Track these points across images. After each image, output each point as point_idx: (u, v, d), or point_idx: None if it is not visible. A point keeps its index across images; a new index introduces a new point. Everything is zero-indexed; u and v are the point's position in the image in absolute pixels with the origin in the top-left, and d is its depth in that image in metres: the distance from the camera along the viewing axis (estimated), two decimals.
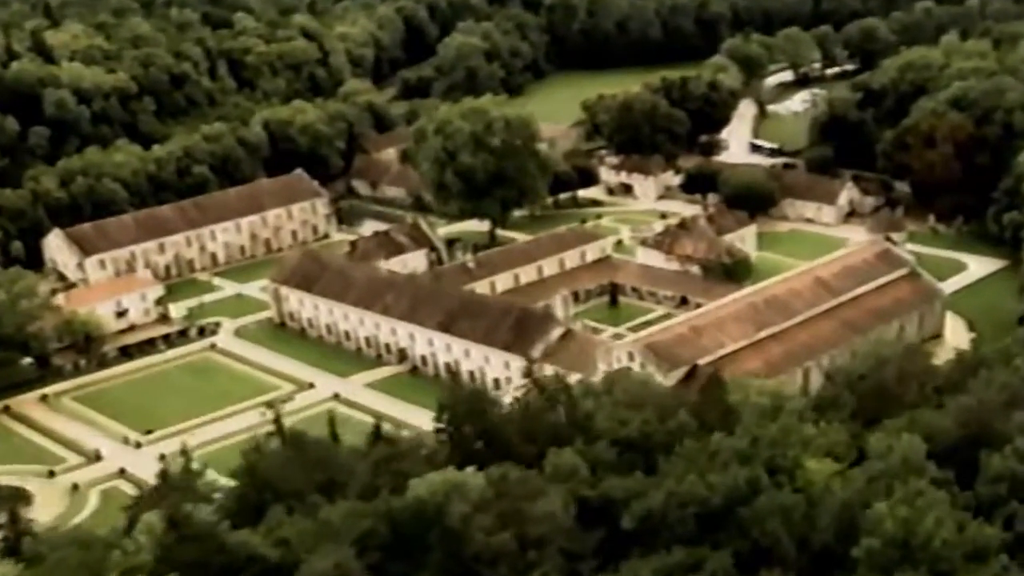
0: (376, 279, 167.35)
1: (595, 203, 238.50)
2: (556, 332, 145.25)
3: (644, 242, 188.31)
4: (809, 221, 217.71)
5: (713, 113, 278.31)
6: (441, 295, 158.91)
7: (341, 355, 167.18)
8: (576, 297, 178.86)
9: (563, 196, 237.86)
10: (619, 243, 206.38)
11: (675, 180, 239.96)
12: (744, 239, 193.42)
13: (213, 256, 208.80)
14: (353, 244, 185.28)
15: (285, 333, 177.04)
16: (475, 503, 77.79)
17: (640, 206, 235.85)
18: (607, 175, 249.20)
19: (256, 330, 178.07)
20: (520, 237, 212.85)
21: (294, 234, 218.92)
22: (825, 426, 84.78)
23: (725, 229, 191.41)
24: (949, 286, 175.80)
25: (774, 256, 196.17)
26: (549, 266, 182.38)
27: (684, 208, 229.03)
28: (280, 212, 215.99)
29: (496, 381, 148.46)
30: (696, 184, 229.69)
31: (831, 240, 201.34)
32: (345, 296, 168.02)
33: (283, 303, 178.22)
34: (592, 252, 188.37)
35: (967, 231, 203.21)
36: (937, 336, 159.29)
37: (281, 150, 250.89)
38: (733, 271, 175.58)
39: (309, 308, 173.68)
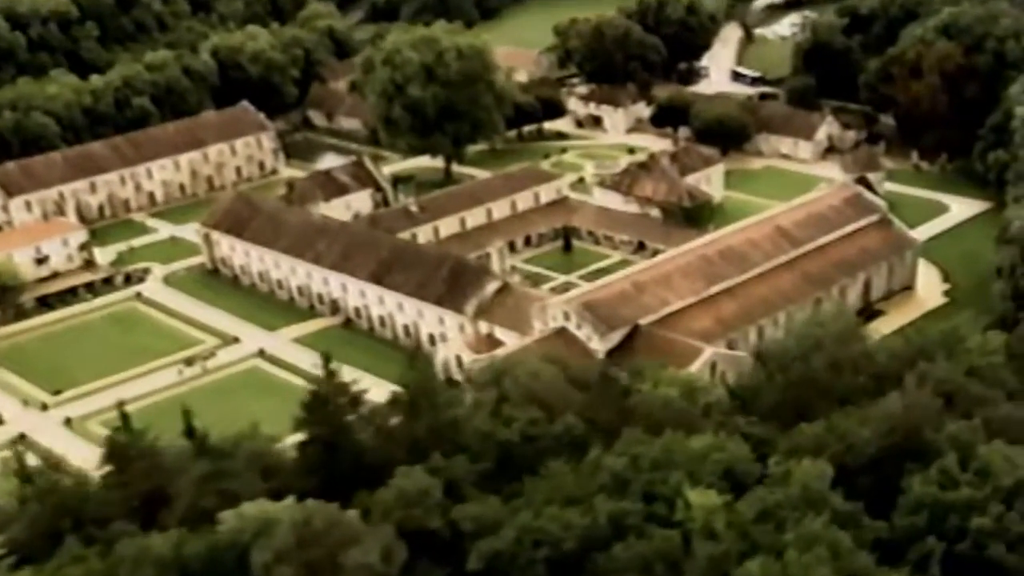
0: (309, 225, 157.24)
1: (561, 136, 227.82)
2: (491, 287, 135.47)
3: (602, 182, 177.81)
4: (785, 157, 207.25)
5: (693, 39, 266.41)
6: (375, 243, 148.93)
7: (272, 306, 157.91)
8: (528, 241, 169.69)
9: (527, 129, 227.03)
10: (580, 180, 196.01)
11: (647, 112, 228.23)
12: (711, 179, 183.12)
13: (151, 196, 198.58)
14: (290, 185, 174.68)
15: (216, 281, 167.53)
16: (278, 550, 64.61)
17: (609, 140, 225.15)
18: (576, 106, 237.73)
19: (186, 277, 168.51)
20: (479, 174, 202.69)
21: (238, 171, 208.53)
22: (725, 439, 73.75)
23: (689, 168, 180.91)
24: (928, 229, 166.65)
25: (744, 197, 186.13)
26: (499, 209, 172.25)
27: (655, 142, 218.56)
28: (222, 148, 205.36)
29: (431, 337, 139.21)
30: (667, 117, 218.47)
31: (807, 178, 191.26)
32: (276, 243, 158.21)
33: (214, 248, 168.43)
34: (547, 193, 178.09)
35: (952, 169, 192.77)
36: (908, 288, 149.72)
37: (231, 80, 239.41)
38: (694, 215, 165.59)
39: (240, 255, 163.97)
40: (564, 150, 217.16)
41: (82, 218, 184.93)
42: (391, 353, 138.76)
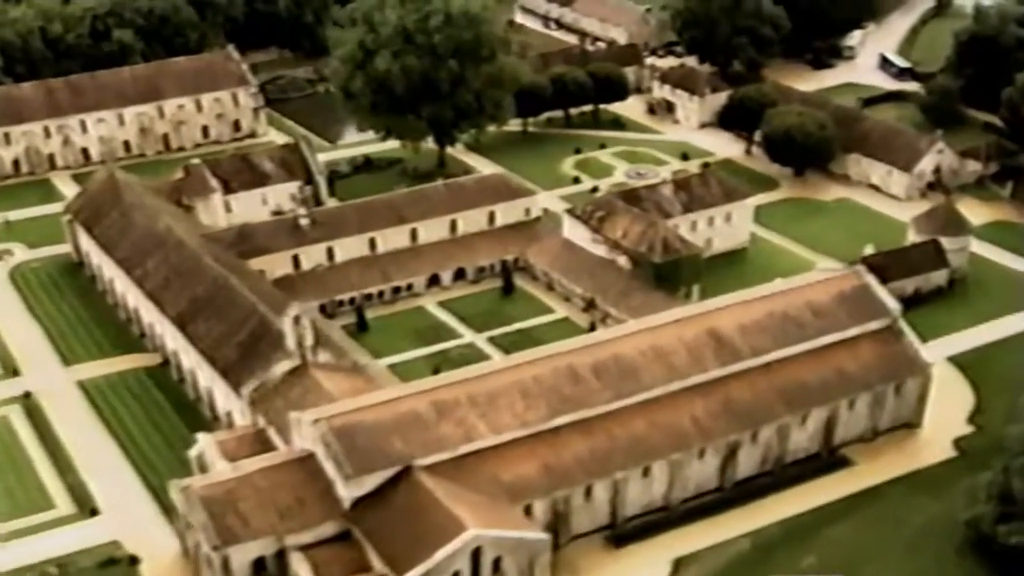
0: (149, 234, 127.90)
1: (617, 124, 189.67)
2: (281, 366, 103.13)
3: (571, 211, 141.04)
4: (874, 189, 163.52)
5: (845, 8, 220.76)
6: (199, 272, 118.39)
7: (102, 326, 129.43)
8: (461, 275, 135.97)
9: (583, 110, 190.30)
10: (594, 190, 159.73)
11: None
12: (731, 219, 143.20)
13: (85, 152, 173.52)
14: (186, 169, 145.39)
15: (73, 279, 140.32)
16: None
17: (672, 136, 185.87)
18: (654, 86, 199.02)
19: (39, 269, 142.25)
20: (481, 165, 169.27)
21: (205, 131, 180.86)
22: None
23: (704, 202, 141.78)
24: (1007, 326, 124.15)
25: (782, 243, 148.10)
26: (430, 229, 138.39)
27: (725, 147, 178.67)
28: (183, 102, 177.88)
29: (228, 416, 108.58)
30: (740, 116, 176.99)
31: (888, 224, 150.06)
32: (116, 249, 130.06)
33: (78, 240, 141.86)
34: (507, 213, 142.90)
35: None
36: (910, 426, 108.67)
37: (261, 15, 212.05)
38: (665, 273, 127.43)
39: (94, 254, 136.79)
40: (603, 144, 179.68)
41: None
42: (186, 420, 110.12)
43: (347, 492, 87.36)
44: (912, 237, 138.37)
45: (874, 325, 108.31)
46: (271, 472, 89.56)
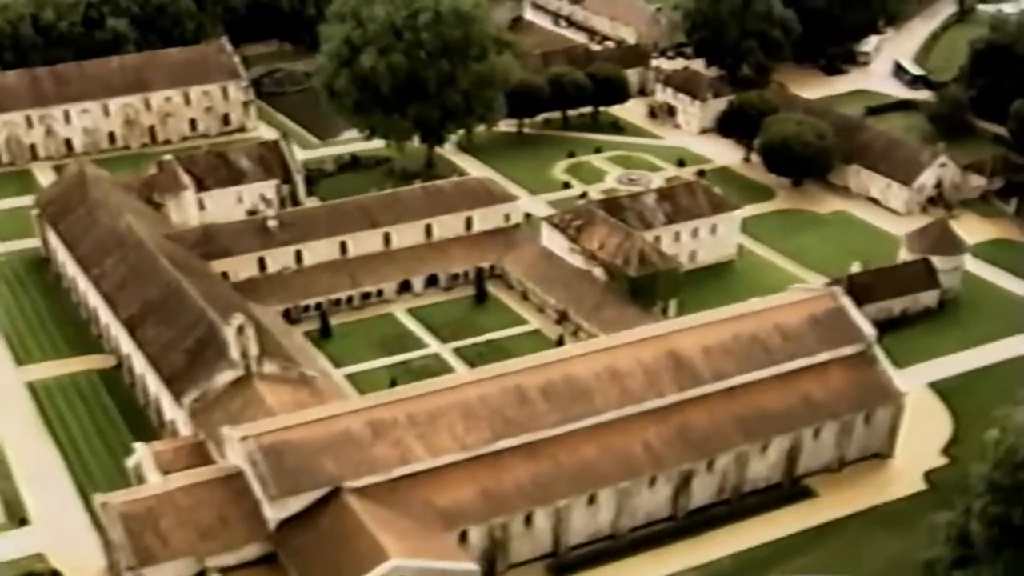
0: (112, 232, 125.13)
1: (616, 128, 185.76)
2: (224, 376, 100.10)
3: (549, 219, 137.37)
4: (873, 202, 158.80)
5: (862, 13, 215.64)
6: (155, 274, 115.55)
7: (60, 327, 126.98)
8: (433, 282, 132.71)
9: (582, 112, 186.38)
10: (583, 196, 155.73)
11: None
12: (717, 231, 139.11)
13: (68, 143, 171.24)
14: (159, 164, 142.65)
15: (37, 276, 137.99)
16: None
17: (671, 141, 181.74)
18: (657, 88, 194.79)
19: (4, 265, 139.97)
20: (470, 166, 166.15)
21: (193, 124, 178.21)
22: None
23: (689, 213, 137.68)
24: (1005, 349, 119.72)
25: (771, 258, 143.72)
26: (404, 234, 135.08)
27: (724, 153, 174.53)
28: (171, 94, 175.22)
29: (173, 425, 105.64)
30: (738, 123, 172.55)
31: (883, 237, 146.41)
32: (78, 247, 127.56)
33: (46, 234, 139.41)
34: (485, 219, 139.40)
35: None
36: (881, 456, 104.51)
37: (262, 6, 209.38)
38: (640, 287, 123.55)
39: (60, 250, 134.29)
40: (598, 148, 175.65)
41: None
42: (133, 427, 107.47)
43: (272, 513, 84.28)
44: (904, 255, 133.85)
45: (847, 350, 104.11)
46: (196, 489, 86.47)
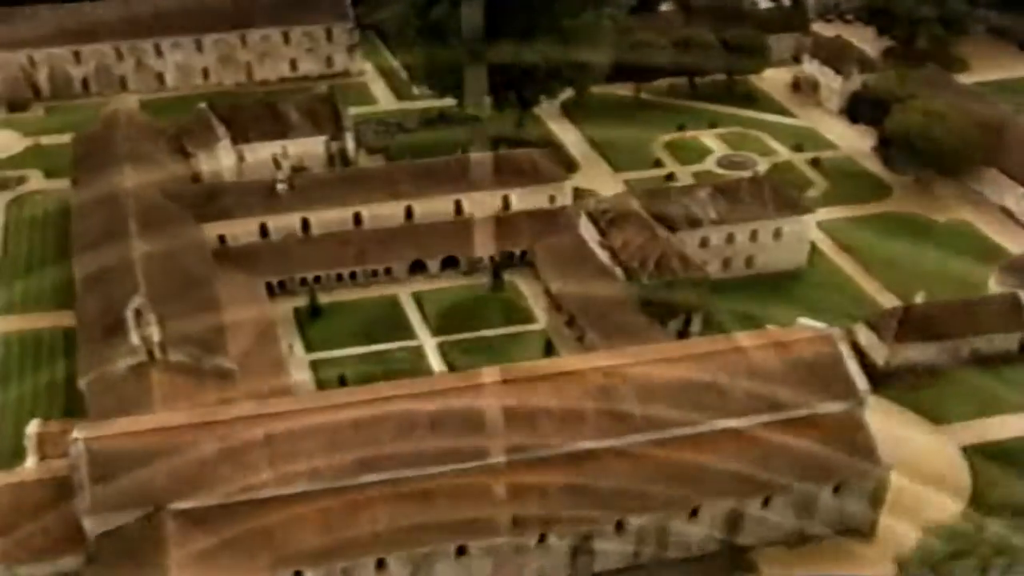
0: (107, 184, 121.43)
1: (748, 98, 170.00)
2: (125, 361, 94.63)
3: (585, 206, 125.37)
4: (1006, 213, 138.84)
5: None
6: (120, 235, 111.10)
7: (58, 279, 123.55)
8: (452, 263, 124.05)
9: (713, 78, 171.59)
10: (669, 177, 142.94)
11: None
12: (782, 235, 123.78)
13: (159, 77, 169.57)
14: (198, 114, 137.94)
15: (63, 219, 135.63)
16: None
17: (802, 120, 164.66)
18: (806, 58, 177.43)
19: (37, 204, 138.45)
20: (564, 132, 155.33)
21: (293, 64, 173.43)
22: None
23: (739, 212, 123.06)
24: None
25: (845, 269, 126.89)
26: (427, 207, 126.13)
27: (856, 139, 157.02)
28: (269, 33, 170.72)
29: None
30: (867, 107, 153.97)
31: (999, 256, 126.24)
32: (79, 197, 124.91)
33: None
34: (527, 198, 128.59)
35: None
36: (861, 534, 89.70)
37: None
38: (655, 296, 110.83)
39: (73, 198, 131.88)
40: (714, 123, 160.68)
41: (55, 91, 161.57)
42: (70, 396, 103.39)
43: (89, 525, 78.30)
44: (992, 287, 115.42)
45: (829, 407, 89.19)
46: (20, 489, 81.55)
